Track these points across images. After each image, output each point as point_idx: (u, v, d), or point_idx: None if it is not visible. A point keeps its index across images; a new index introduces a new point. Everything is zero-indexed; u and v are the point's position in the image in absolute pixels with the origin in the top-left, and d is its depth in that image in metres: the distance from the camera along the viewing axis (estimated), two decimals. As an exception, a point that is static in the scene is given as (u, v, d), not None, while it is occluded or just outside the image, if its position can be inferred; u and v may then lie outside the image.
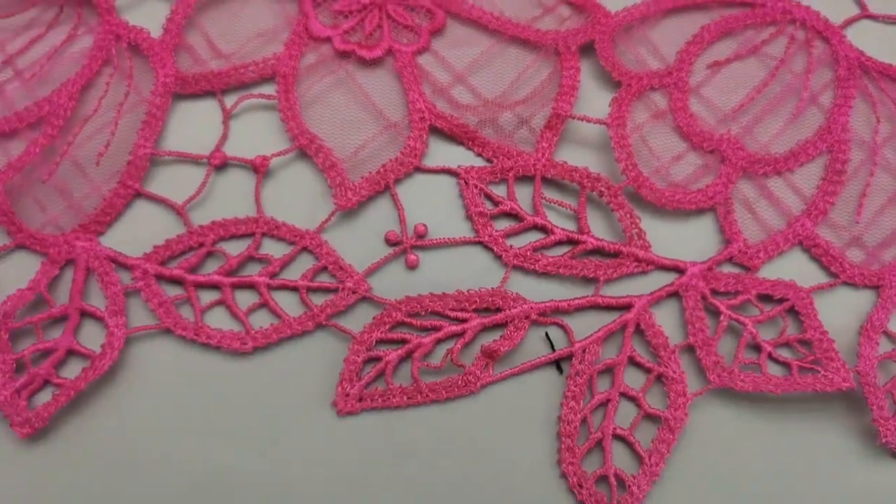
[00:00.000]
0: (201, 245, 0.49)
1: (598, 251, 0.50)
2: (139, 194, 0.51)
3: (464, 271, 0.49)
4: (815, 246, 0.50)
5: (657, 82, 0.53)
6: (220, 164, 0.50)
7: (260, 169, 0.50)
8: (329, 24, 0.54)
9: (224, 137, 0.51)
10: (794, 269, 0.50)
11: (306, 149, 0.50)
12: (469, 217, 0.50)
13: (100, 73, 0.52)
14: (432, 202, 0.51)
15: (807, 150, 0.52)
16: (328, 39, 0.54)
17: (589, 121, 0.51)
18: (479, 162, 0.52)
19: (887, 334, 0.49)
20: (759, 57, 0.55)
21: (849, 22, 0.56)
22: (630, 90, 0.53)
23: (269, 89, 0.53)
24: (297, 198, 0.51)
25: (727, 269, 0.50)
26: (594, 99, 0.53)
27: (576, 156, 0.52)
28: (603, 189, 0.50)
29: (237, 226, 0.49)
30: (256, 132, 0.52)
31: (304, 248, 0.49)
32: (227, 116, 0.52)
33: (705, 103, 0.53)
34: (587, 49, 0.55)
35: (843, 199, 0.52)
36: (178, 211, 0.50)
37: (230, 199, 0.51)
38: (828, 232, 0.51)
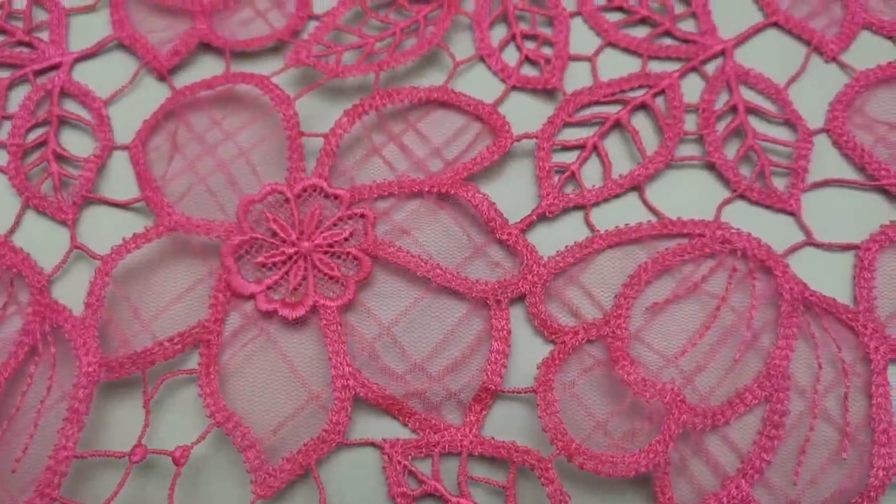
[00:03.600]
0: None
1: (527, 533, 0.45)
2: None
3: (384, 562, 0.45)
4: (752, 513, 0.45)
5: (594, 334, 0.48)
6: (140, 460, 0.45)
7: (180, 461, 0.45)
8: (253, 279, 0.49)
9: (146, 426, 0.46)
10: (732, 540, 0.45)
11: (223, 427, 0.46)
12: (391, 497, 0.45)
13: (27, 360, 0.48)
14: (355, 478, 0.46)
15: (744, 399, 0.47)
16: (252, 296, 0.49)
17: (518, 392, 0.47)
18: (404, 432, 0.47)
19: None
20: (699, 296, 0.49)
21: (792, 249, 0.51)
22: (564, 348, 0.48)
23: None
24: (222, 482, 0.46)
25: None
26: (528, 349, 0.49)
27: (509, 415, 0.48)
28: (533, 462, 0.45)
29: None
30: (180, 409, 0.48)
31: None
32: (149, 400, 0.47)
33: (645, 349, 0.48)
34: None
35: (780, 455, 0.46)
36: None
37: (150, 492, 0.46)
38: (764, 494, 0.46)
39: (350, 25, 0.58)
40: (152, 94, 0.57)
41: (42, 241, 0.52)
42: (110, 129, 0.55)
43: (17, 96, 0.57)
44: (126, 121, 0.56)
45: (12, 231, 0.52)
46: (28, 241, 0.52)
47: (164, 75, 0.57)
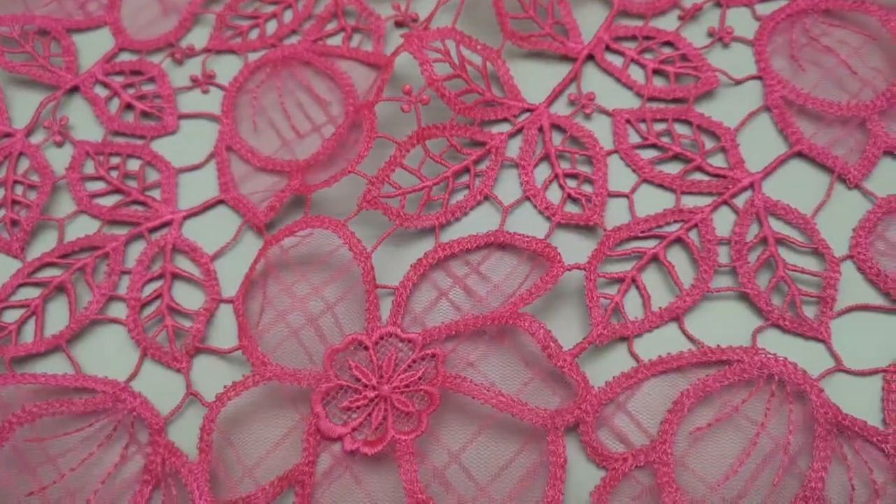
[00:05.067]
0: None
1: None
2: None
3: None
4: None
5: (642, 460, 0.52)
6: None
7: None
8: (340, 422, 0.55)
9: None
10: None
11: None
12: None
13: (151, 499, 0.54)
14: None
15: (782, 524, 0.50)
16: (340, 438, 0.55)
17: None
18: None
19: None
20: (738, 420, 0.53)
21: (823, 375, 0.54)
22: (615, 475, 0.52)
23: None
24: None
25: None
26: (581, 475, 0.54)
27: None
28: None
29: None
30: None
31: None
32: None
33: (690, 475, 0.52)
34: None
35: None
36: None
37: None
38: None
39: (412, 165, 0.63)
40: (252, 248, 0.63)
41: (160, 388, 0.58)
42: (217, 283, 0.62)
43: (134, 251, 0.64)
44: (230, 274, 0.63)
45: (131, 378, 0.59)
46: (147, 388, 0.59)
47: (261, 230, 0.64)
